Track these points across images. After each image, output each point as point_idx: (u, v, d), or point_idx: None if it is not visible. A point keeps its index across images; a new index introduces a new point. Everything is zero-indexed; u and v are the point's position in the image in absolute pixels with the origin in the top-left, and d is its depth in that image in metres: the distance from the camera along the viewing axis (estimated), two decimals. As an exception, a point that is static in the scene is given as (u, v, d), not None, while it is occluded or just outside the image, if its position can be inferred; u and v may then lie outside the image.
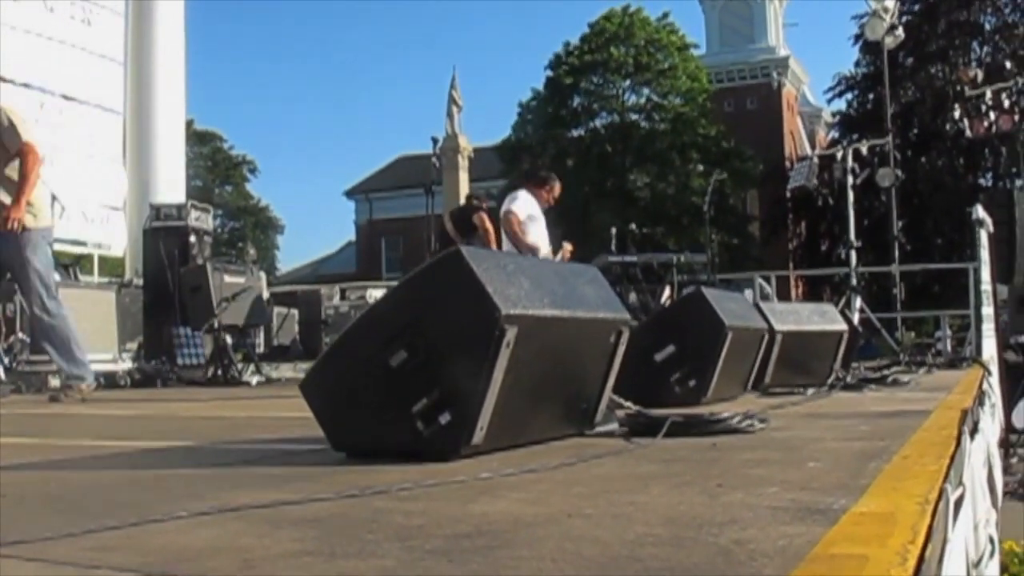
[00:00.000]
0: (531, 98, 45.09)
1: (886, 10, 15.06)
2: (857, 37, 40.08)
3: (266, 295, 13.91)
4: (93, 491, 2.53)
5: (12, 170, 6.60)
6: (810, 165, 14.10)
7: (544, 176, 9.68)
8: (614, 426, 3.62)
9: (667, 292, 13.39)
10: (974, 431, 3.46)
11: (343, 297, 19.82)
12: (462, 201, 24.08)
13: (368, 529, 1.81)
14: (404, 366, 2.82)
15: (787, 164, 43.38)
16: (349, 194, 62.21)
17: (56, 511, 2.16)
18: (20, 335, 9.40)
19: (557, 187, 9.52)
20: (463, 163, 25.79)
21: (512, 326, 2.78)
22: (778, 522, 1.77)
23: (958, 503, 2.18)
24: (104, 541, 1.73)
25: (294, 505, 2.08)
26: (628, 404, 3.88)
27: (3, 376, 8.70)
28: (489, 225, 10.41)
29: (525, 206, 9.13)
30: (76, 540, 1.73)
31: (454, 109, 27.97)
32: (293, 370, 13.17)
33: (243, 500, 2.14)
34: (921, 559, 1.49)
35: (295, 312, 17.87)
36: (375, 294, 18.64)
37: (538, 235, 9.16)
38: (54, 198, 10.77)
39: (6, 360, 8.95)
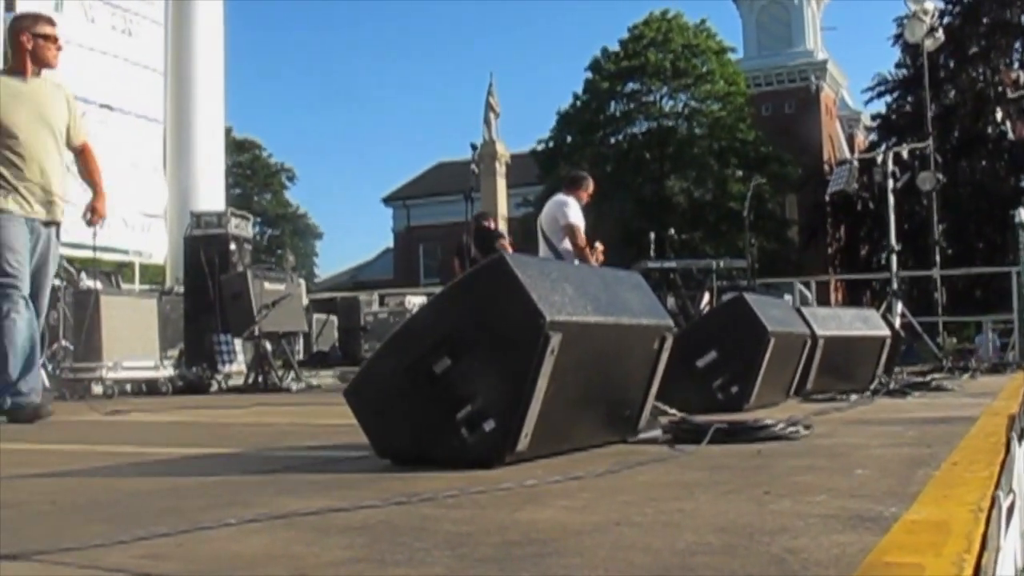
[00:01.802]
0: (570, 104, 45.07)
1: (925, 12, 14.92)
2: (896, 39, 39.77)
3: (305, 302, 13.99)
4: (140, 498, 2.54)
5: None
6: (850, 169, 14.00)
7: (578, 176, 9.94)
8: (657, 433, 3.61)
9: (707, 298, 13.33)
10: (1022, 436, 3.42)
11: (382, 303, 19.91)
12: (500, 208, 24.13)
13: (417, 537, 1.81)
14: (448, 373, 2.83)
15: (826, 168, 43.08)
16: (387, 201, 62.49)
17: (105, 518, 2.17)
18: (63, 342, 9.49)
19: (591, 185, 9.76)
20: (501, 169, 25.76)
21: (556, 332, 2.78)
22: (829, 530, 1.75)
23: (1010, 510, 2.16)
24: (155, 549, 1.73)
25: (342, 512, 2.09)
26: (672, 411, 3.87)
27: (47, 383, 8.78)
28: (511, 250, 10.56)
29: (579, 213, 9.41)
30: (128, 547, 1.74)
31: (491, 115, 27.96)
32: (333, 376, 13.24)
33: (291, 507, 2.14)
34: (978, 568, 1.47)
35: (334, 318, 17.99)
36: (414, 300, 18.71)
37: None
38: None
39: (50, 367, 9.02)
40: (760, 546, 1.64)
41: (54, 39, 6.22)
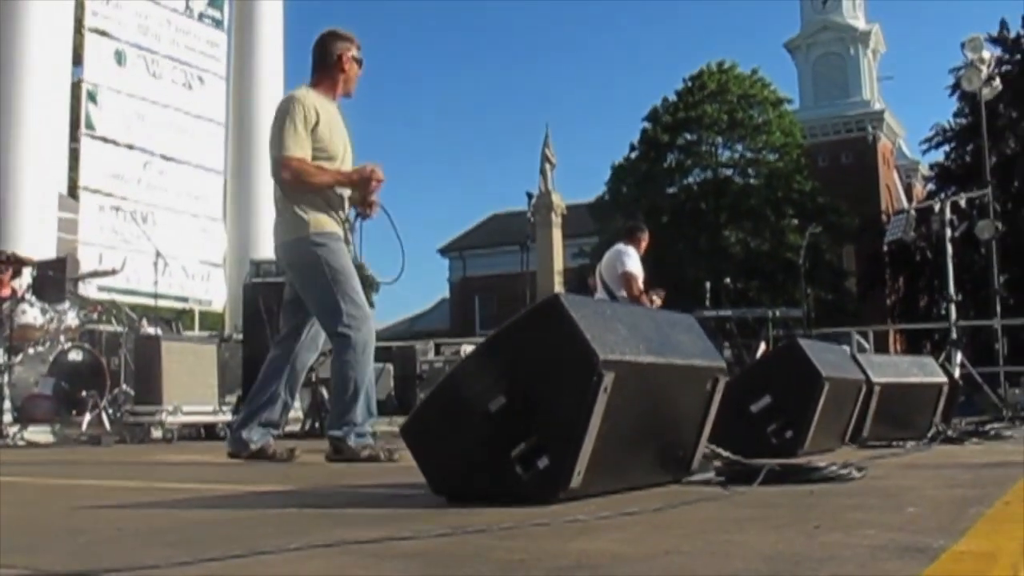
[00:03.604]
0: (626, 155, 45.15)
1: (983, 61, 14.85)
2: (954, 88, 39.50)
3: (362, 350, 14.06)
4: (201, 527, 2.61)
5: None
6: (907, 218, 13.93)
7: (635, 227, 10.14)
8: (711, 475, 3.62)
9: (762, 347, 13.28)
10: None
11: (438, 352, 19.97)
12: (556, 258, 24.24)
13: (471, 563, 1.85)
14: (503, 411, 2.87)
15: (884, 218, 42.70)
16: (443, 251, 62.80)
17: (168, 543, 2.24)
18: (124, 387, 9.64)
19: (647, 235, 9.92)
20: (557, 220, 25.92)
21: (610, 371, 2.82)
22: (877, 559, 1.78)
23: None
24: (216, 570, 1.79)
25: (398, 541, 2.14)
26: (725, 453, 3.88)
27: (108, 427, 8.93)
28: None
29: (637, 263, 9.62)
30: (188, 568, 1.80)
31: (547, 166, 28.17)
32: (388, 423, 13.29)
33: (348, 536, 2.20)
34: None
35: (390, 367, 18.05)
36: (469, 349, 18.74)
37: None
38: (158, 254, 11.17)
39: (110, 411, 9.17)
40: (807, 572, 1.67)
41: (361, 66, 5.88)
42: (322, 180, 5.53)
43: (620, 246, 9.84)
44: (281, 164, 5.46)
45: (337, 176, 5.58)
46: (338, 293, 5.49)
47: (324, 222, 5.54)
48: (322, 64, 5.75)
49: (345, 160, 5.69)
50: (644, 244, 9.91)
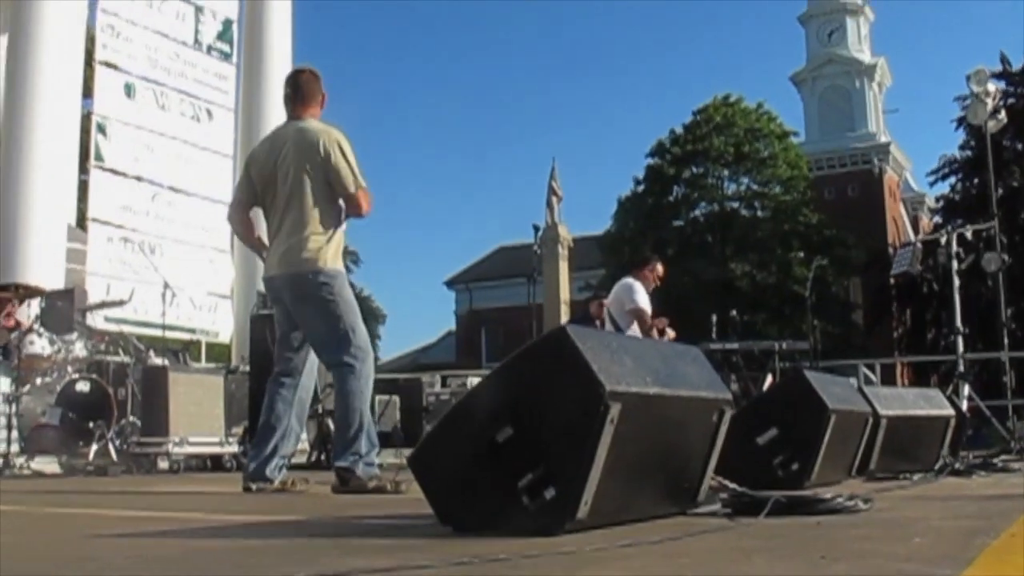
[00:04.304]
0: (631, 190, 45.26)
1: (988, 93, 14.88)
2: (960, 121, 39.60)
3: (369, 382, 14.07)
4: (211, 556, 2.62)
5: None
6: (913, 251, 13.93)
7: (643, 257, 10.03)
8: (717, 506, 3.63)
9: (769, 379, 13.25)
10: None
11: (444, 384, 19.93)
12: (562, 291, 24.24)
13: (478, 591, 1.86)
14: (510, 442, 2.88)
15: (890, 251, 42.72)
16: (449, 284, 62.86)
17: (178, 572, 2.25)
18: (131, 418, 9.66)
19: (659, 265, 9.82)
20: (563, 252, 25.91)
21: (616, 403, 2.83)
22: (882, 589, 1.79)
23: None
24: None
25: (405, 570, 2.15)
26: (732, 484, 3.89)
27: (115, 457, 8.94)
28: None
29: (645, 297, 9.55)
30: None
31: (554, 199, 28.21)
32: (394, 456, 13.28)
33: (355, 565, 2.21)
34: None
35: (396, 399, 18.04)
36: (475, 382, 18.72)
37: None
38: (166, 285, 11.21)
39: (117, 442, 9.19)
40: (813, 601, 1.68)
41: None
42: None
43: (628, 280, 9.72)
44: (364, 196, 5.66)
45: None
46: (347, 326, 5.58)
47: (337, 258, 5.70)
48: (309, 96, 5.91)
49: None
50: (655, 274, 9.76)
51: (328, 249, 5.62)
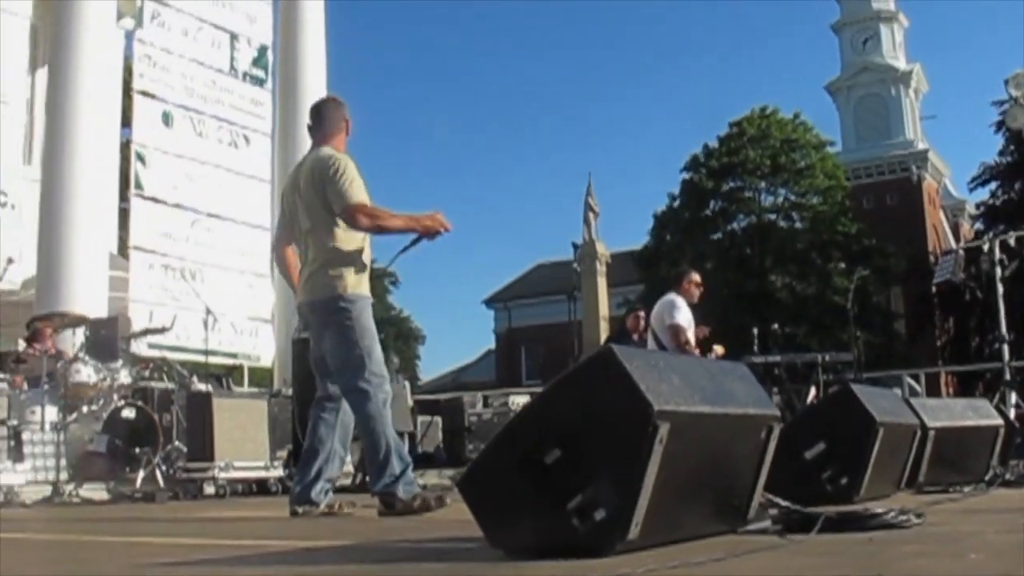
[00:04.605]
0: (667, 205, 45.12)
1: (1027, 98, 14.77)
2: (999, 125, 39.26)
3: (410, 403, 14.12)
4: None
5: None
6: (955, 258, 13.81)
7: (680, 271, 10.02)
8: (767, 523, 3.60)
9: (812, 392, 13.16)
10: None
11: (486, 404, 19.96)
12: (602, 307, 24.21)
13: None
14: (559, 463, 2.88)
15: (931, 259, 42.43)
16: (488, 303, 62.87)
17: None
18: (177, 443, 9.72)
19: (695, 274, 9.81)
20: (601, 269, 25.88)
21: (665, 422, 2.82)
22: (944, 608, 1.77)
23: None
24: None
25: (460, 596, 2.15)
26: (781, 501, 3.86)
27: (162, 483, 9.00)
28: None
29: (685, 314, 9.47)
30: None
31: (591, 215, 28.21)
32: (438, 476, 13.29)
33: (410, 592, 2.21)
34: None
35: (439, 420, 18.08)
36: (517, 400, 18.73)
37: (693, 335, 9.57)
38: (207, 311, 11.29)
39: (164, 468, 9.25)
40: (874, 622, 1.66)
41: None
42: (396, 224, 5.70)
43: (670, 296, 9.69)
44: (356, 211, 5.54)
45: (409, 221, 5.70)
46: (364, 352, 5.59)
47: (359, 283, 5.69)
48: (332, 125, 5.95)
49: None
50: (694, 287, 9.74)
51: (348, 274, 5.63)
